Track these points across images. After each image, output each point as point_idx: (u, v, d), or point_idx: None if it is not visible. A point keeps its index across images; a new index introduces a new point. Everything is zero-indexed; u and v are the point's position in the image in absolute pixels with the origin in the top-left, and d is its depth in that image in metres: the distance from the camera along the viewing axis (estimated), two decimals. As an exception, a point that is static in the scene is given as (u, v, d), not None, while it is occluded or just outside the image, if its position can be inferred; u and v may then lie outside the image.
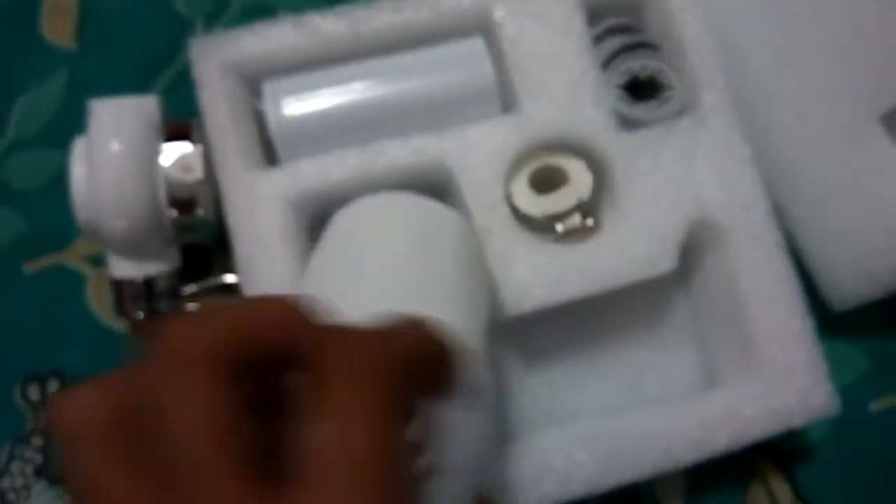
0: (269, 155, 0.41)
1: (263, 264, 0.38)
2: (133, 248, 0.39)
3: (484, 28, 0.42)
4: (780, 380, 0.38)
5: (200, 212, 0.39)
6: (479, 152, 0.40)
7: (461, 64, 0.41)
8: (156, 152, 0.39)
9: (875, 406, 0.45)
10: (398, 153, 0.39)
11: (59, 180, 0.44)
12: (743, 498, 0.44)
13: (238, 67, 0.40)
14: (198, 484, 0.17)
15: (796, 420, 0.38)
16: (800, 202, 0.44)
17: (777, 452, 0.44)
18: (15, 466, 0.43)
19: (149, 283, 0.40)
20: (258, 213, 0.38)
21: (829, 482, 0.44)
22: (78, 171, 0.38)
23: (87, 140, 0.38)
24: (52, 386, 0.44)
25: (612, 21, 0.43)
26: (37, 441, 0.44)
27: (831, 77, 0.43)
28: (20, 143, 0.47)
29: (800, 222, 0.44)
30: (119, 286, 0.40)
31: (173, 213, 0.39)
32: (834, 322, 0.45)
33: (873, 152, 0.42)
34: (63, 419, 0.18)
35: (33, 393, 0.44)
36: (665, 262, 0.39)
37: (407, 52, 0.42)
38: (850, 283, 0.43)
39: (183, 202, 0.39)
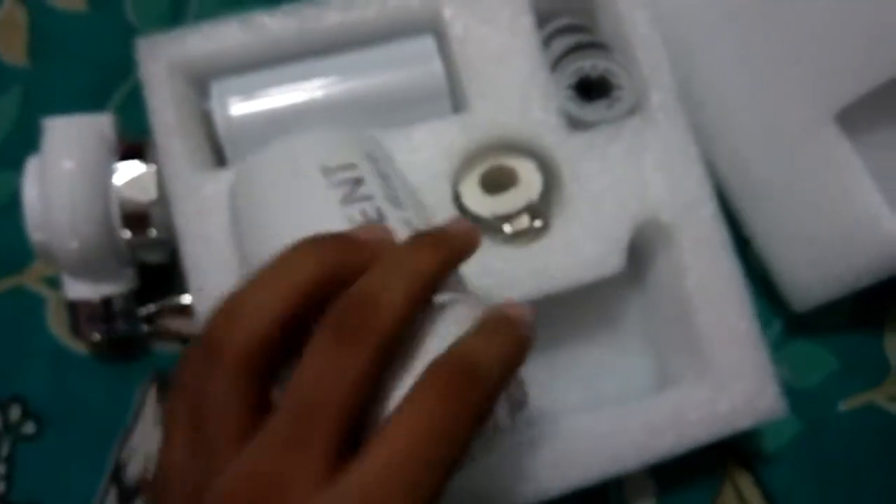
0: (219, 156, 0.41)
1: (210, 266, 0.37)
2: (88, 268, 0.39)
3: (433, 27, 0.41)
4: (726, 382, 0.38)
5: (154, 232, 0.39)
6: (426, 151, 0.39)
7: (411, 62, 0.41)
8: (109, 171, 0.39)
9: (844, 406, 0.45)
10: (345, 153, 0.39)
11: (13, 201, 0.43)
12: (713, 500, 0.43)
13: (185, 67, 0.40)
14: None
15: (743, 423, 0.38)
16: (756, 203, 0.44)
17: (746, 454, 0.44)
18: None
19: (105, 303, 0.40)
20: (205, 214, 0.38)
21: (800, 483, 0.44)
22: (30, 192, 0.38)
23: (40, 159, 0.38)
24: (14, 413, 0.43)
25: (563, 21, 0.43)
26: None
27: (786, 76, 0.43)
28: None
29: (757, 224, 0.44)
30: (75, 307, 0.40)
31: (127, 233, 0.39)
32: (801, 322, 0.45)
33: (828, 151, 0.42)
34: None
35: None
36: (613, 263, 0.39)
37: (356, 51, 0.41)
38: (809, 284, 0.43)
39: (137, 222, 0.39)
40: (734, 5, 0.44)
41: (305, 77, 0.40)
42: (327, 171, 0.31)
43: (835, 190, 0.42)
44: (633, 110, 0.41)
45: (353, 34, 0.41)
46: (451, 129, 0.39)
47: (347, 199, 0.30)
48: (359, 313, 0.23)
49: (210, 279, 0.37)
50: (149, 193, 0.39)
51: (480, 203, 0.40)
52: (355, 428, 0.23)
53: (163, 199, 0.39)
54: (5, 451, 0.43)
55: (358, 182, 0.31)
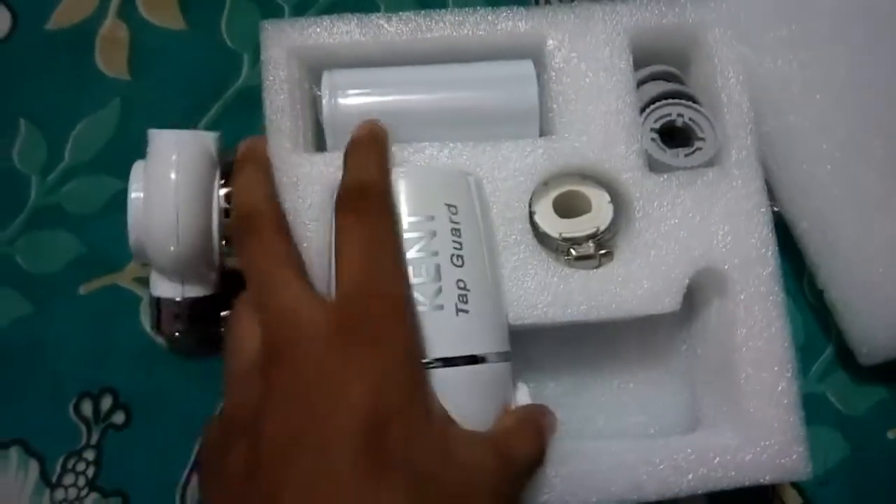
0: (322, 142, 0.43)
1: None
2: (178, 271, 0.41)
3: (535, 54, 0.43)
4: (755, 435, 0.39)
5: None
6: (509, 167, 0.41)
7: (509, 83, 0.43)
8: (211, 185, 0.41)
9: (893, 434, 0.46)
10: (435, 155, 0.41)
11: (111, 205, 0.48)
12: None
13: (302, 54, 0.42)
14: None
15: (766, 477, 0.38)
16: (833, 257, 0.46)
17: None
18: (67, 480, 0.45)
19: (189, 303, 0.42)
20: (297, 193, 0.40)
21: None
22: (135, 195, 0.40)
23: (147, 166, 0.40)
24: (106, 403, 0.46)
25: (658, 68, 0.44)
26: (88, 455, 0.46)
27: (869, 143, 0.45)
28: (75, 170, 0.49)
29: (831, 277, 0.46)
30: (158, 304, 0.42)
31: (223, 244, 0.41)
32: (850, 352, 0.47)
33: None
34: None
35: (86, 409, 0.46)
36: (668, 302, 0.40)
37: (460, 63, 0.43)
38: (878, 343, 0.45)
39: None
40: (826, 71, 0.45)
41: (410, 80, 0.43)
42: (412, 220, 0.37)
43: None
44: (711, 162, 0.42)
45: (461, 49, 0.43)
46: (537, 151, 0.41)
47: (418, 250, 0.36)
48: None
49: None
50: None
51: (551, 223, 0.42)
52: None
53: None
54: (95, 438, 0.46)
55: (431, 235, 0.36)
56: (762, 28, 0.47)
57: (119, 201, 0.44)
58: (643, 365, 0.45)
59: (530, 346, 0.45)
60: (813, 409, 0.42)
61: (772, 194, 0.46)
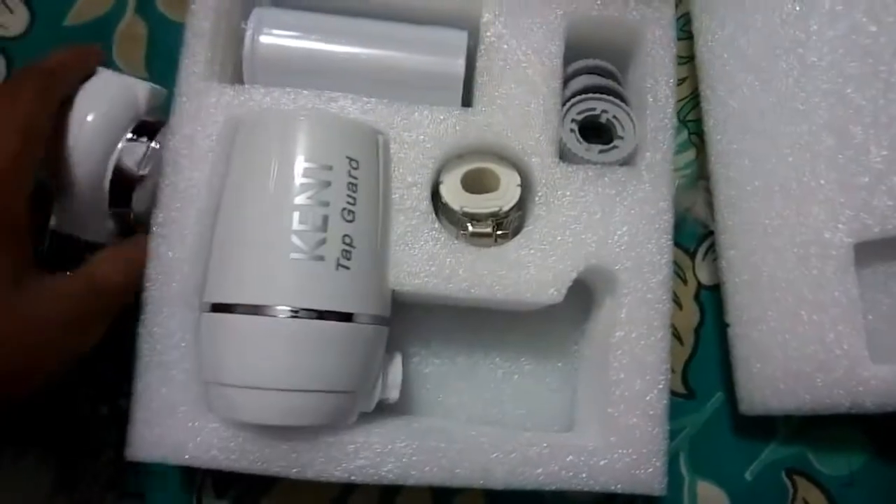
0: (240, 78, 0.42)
1: (187, 167, 0.39)
2: (75, 210, 0.40)
3: (469, 26, 0.42)
4: (615, 442, 0.38)
5: (135, 206, 0.40)
6: (419, 131, 0.40)
7: (439, 49, 0.42)
8: (118, 133, 0.40)
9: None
10: (348, 108, 0.40)
11: None
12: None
13: (235, -15, 0.42)
14: None
15: (616, 487, 0.37)
16: (747, 297, 0.42)
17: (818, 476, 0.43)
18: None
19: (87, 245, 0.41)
20: (199, 121, 0.39)
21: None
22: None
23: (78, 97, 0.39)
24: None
25: (594, 61, 0.43)
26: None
27: (816, 196, 0.40)
28: None
29: (740, 316, 0.42)
30: (54, 236, 0.41)
31: (108, 196, 0.40)
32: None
33: (836, 277, 0.39)
34: None
35: None
36: (552, 294, 0.39)
37: (393, 22, 0.42)
38: (765, 394, 0.41)
39: (121, 191, 0.40)
40: (779, 108, 0.42)
41: (339, 31, 0.42)
42: (307, 166, 0.35)
43: (828, 317, 0.39)
44: (624, 162, 0.41)
45: (399, 8, 0.42)
46: (450, 119, 0.40)
47: (308, 196, 0.35)
48: None
49: (181, 177, 0.39)
50: (141, 169, 0.40)
51: (454, 195, 0.41)
52: None
53: (152, 181, 0.40)
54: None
55: (325, 185, 0.35)
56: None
57: None
58: (533, 359, 0.44)
59: (426, 322, 0.44)
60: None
61: (709, 210, 0.45)
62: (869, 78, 0.40)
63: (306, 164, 0.35)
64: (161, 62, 0.48)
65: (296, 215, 0.34)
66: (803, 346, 0.39)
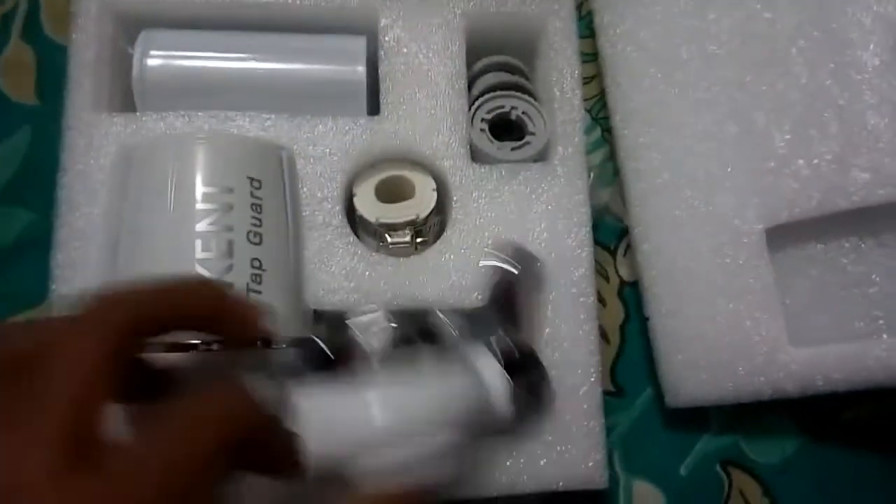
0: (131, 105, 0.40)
1: (83, 204, 0.36)
2: None
3: (367, 31, 0.40)
4: (553, 441, 0.37)
5: None
6: (325, 144, 0.38)
7: (338, 57, 0.40)
8: None
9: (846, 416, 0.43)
10: (247, 127, 0.38)
11: (24, 237, 0.42)
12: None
13: (117, 9, 0.39)
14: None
15: (559, 485, 0.36)
16: (665, 290, 0.41)
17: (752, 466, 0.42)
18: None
19: None
20: (91, 153, 0.37)
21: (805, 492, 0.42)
22: None
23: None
24: None
25: (501, 58, 0.42)
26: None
27: (729, 183, 0.40)
28: None
29: (660, 309, 0.41)
30: None
31: None
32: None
33: (751, 264, 0.39)
34: None
35: None
36: (476, 298, 0.37)
37: (288, 33, 0.40)
38: (689, 386, 0.40)
39: None
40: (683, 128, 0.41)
41: (232, 47, 0.39)
42: (206, 191, 0.33)
43: (744, 304, 0.39)
44: (537, 158, 0.40)
45: (290, 18, 0.40)
46: (355, 129, 0.38)
47: (210, 223, 0.32)
48: None
49: (79, 214, 0.36)
50: None
51: (370, 207, 0.39)
52: None
53: None
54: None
55: (227, 208, 0.33)
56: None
57: (31, 232, 0.41)
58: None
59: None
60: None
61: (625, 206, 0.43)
62: (767, 64, 0.40)
63: (205, 189, 0.33)
64: (53, 89, 0.43)
65: (198, 243, 0.32)
66: (722, 334, 0.39)
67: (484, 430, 0.29)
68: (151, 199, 0.33)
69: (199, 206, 0.33)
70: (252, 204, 0.34)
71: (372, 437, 0.24)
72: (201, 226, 0.33)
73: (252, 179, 0.34)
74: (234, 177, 0.34)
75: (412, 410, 0.26)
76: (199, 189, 0.33)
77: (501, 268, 0.35)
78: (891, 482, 0.41)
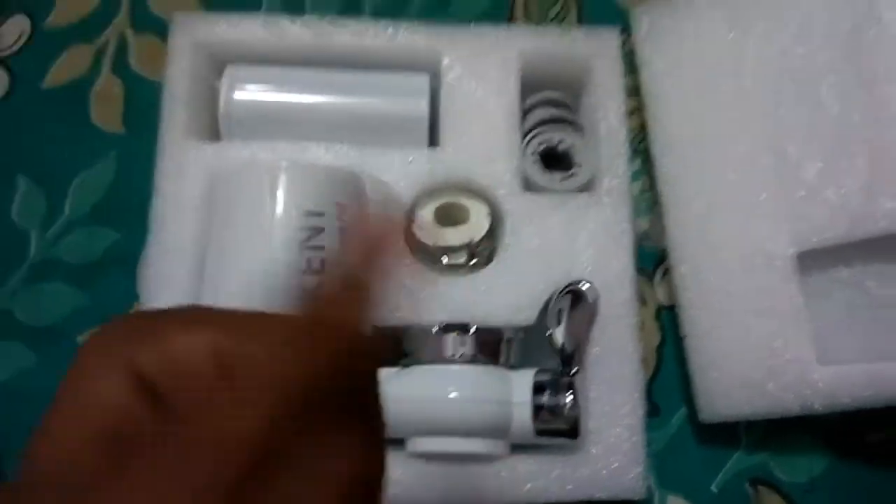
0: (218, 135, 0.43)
1: (173, 224, 0.40)
2: None
3: (431, 69, 0.43)
4: (597, 455, 0.38)
5: None
6: (393, 172, 0.41)
7: (403, 93, 0.43)
8: None
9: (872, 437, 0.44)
10: (321, 155, 0.41)
11: (109, 255, 0.45)
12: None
13: (207, 47, 0.42)
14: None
15: (600, 493, 0.38)
16: (701, 311, 0.42)
17: (779, 484, 0.43)
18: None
19: None
20: (182, 179, 0.40)
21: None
22: None
23: None
24: None
25: (551, 94, 0.44)
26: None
27: (762, 209, 0.42)
28: (74, 223, 0.46)
29: (695, 329, 0.42)
30: None
31: None
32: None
33: (781, 287, 0.41)
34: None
35: None
36: (525, 316, 0.40)
37: (359, 71, 0.43)
38: (722, 402, 0.41)
39: None
40: (718, 155, 0.43)
41: (309, 83, 0.43)
42: (300, 213, 0.35)
43: (775, 325, 0.41)
44: (584, 188, 0.42)
45: (361, 57, 0.43)
46: (420, 159, 0.41)
47: (304, 244, 0.35)
48: None
49: (169, 235, 0.40)
50: None
51: (428, 230, 0.42)
52: None
53: None
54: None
55: (318, 231, 0.35)
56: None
57: (116, 251, 0.44)
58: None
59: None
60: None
61: (663, 232, 0.45)
62: (799, 98, 0.41)
63: (296, 212, 0.35)
64: (138, 119, 0.48)
65: (291, 260, 0.35)
66: (754, 353, 0.40)
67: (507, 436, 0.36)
68: (244, 219, 0.36)
69: (292, 227, 0.35)
70: (340, 225, 0.36)
71: None
72: (293, 245, 0.35)
73: (339, 204, 0.37)
74: (325, 202, 0.36)
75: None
76: (292, 212, 0.35)
77: (582, 292, 0.38)
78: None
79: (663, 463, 0.43)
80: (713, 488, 0.43)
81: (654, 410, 0.44)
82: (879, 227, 0.39)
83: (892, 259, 0.41)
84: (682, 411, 0.44)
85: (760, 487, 0.43)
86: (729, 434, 0.43)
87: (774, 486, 0.43)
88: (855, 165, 0.40)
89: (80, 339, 0.44)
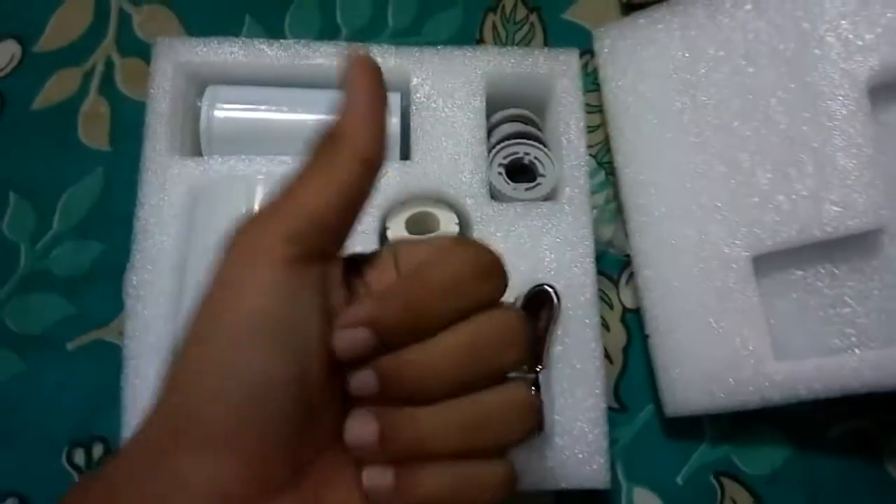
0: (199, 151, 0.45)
1: (155, 235, 0.42)
2: None
3: (402, 88, 0.46)
4: (562, 445, 0.40)
5: None
6: (363, 186, 0.43)
7: (375, 112, 0.45)
8: None
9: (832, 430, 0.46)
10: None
11: (97, 266, 0.47)
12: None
13: (188, 68, 0.45)
14: None
15: (565, 482, 0.40)
16: (663, 309, 0.45)
17: (742, 476, 0.45)
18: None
19: None
20: (164, 190, 0.42)
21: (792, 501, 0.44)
22: None
23: None
24: (97, 451, 0.44)
25: (515, 111, 0.47)
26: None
27: (719, 213, 0.44)
28: (62, 236, 0.48)
29: (658, 326, 0.45)
30: None
31: None
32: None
33: (739, 285, 0.43)
34: None
35: (79, 457, 0.44)
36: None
37: (333, 90, 0.46)
38: (685, 396, 0.43)
39: None
40: (678, 161, 0.46)
41: (285, 101, 0.45)
42: None
43: (733, 323, 0.43)
44: (547, 197, 0.45)
45: (335, 77, 0.45)
46: (391, 172, 0.43)
47: None
48: None
49: (152, 245, 0.41)
50: None
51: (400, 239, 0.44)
52: None
53: None
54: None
55: None
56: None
57: (103, 262, 0.46)
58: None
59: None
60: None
61: (627, 239, 0.47)
62: (751, 112, 0.44)
63: None
64: (123, 137, 0.50)
65: None
66: (714, 350, 0.43)
67: None
68: (223, 228, 0.38)
69: None
70: None
71: None
72: None
73: None
74: None
75: None
76: None
77: (548, 294, 0.40)
78: (871, 490, 0.44)
79: (630, 457, 0.45)
80: (678, 480, 0.45)
81: (621, 408, 0.46)
82: (826, 231, 0.42)
83: (840, 261, 0.44)
84: (649, 408, 0.46)
85: (724, 479, 0.45)
86: (694, 428, 0.45)
87: (737, 478, 0.45)
88: (803, 173, 0.43)
89: (69, 346, 0.46)
